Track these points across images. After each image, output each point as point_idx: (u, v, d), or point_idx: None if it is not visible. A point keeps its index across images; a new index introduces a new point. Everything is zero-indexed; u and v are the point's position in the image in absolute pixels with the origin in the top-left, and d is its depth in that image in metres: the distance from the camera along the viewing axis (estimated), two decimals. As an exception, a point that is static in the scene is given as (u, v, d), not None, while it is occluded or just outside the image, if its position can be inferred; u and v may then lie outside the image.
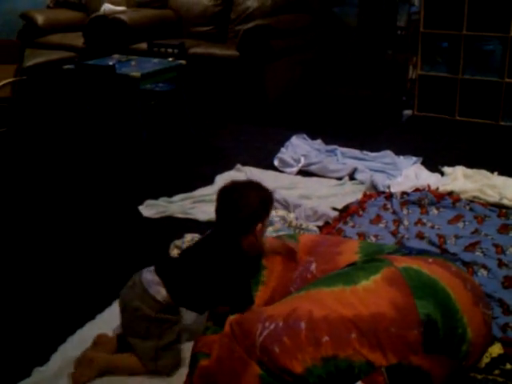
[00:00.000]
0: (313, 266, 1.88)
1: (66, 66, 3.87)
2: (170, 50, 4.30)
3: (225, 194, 1.79)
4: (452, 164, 3.28)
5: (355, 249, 1.93)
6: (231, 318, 1.67)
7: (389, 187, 3.03)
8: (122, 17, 4.90)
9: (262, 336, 1.49)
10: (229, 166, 3.43)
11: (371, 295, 1.49)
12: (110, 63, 3.74)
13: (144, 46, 4.56)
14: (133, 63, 3.89)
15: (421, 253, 1.80)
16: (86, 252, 2.54)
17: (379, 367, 1.41)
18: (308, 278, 1.86)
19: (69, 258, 2.49)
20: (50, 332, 1.97)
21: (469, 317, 1.50)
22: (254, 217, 1.76)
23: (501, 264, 2.22)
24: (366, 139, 3.91)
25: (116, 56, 4.13)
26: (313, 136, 3.89)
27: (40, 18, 5.55)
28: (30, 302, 2.17)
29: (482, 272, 2.19)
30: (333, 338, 1.44)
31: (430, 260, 1.65)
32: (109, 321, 1.99)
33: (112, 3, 5.54)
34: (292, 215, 2.71)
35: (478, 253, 2.31)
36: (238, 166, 3.43)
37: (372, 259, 1.67)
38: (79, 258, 2.49)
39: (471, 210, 2.72)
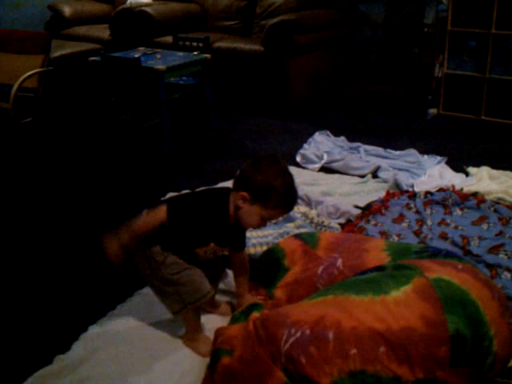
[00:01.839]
0: (339, 262, 1.87)
1: (91, 58, 3.90)
2: (194, 44, 4.31)
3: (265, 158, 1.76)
4: (477, 164, 3.24)
5: (382, 246, 1.92)
6: (255, 315, 1.66)
7: (412, 186, 3.00)
8: (148, 10, 4.92)
9: (288, 344, 1.47)
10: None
11: (401, 308, 1.46)
12: (136, 56, 3.76)
13: (169, 39, 4.57)
14: (158, 56, 3.91)
15: (449, 255, 1.77)
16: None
17: (406, 382, 1.39)
18: (335, 274, 1.84)
19: (89, 249, 2.51)
20: (72, 321, 1.99)
21: (495, 329, 1.47)
22: (250, 182, 1.69)
23: (525, 267, 2.19)
24: (390, 137, 3.88)
25: (141, 49, 4.16)
26: (336, 133, 3.87)
27: (67, 10, 5.61)
28: (53, 292, 2.19)
29: (506, 275, 2.15)
30: (361, 351, 1.41)
31: (460, 266, 1.61)
32: (129, 311, 2.02)
33: (138, -4, 5.57)
34: (314, 212, 2.70)
35: (501, 255, 2.28)
36: (261, 161, 3.42)
37: (402, 266, 1.63)
38: (100, 249, 2.51)
39: (496, 211, 2.68)
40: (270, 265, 2.07)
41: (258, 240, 2.41)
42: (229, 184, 3.10)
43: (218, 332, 1.73)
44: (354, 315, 1.47)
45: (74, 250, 2.50)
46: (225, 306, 2.03)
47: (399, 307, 1.46)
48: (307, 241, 2.05)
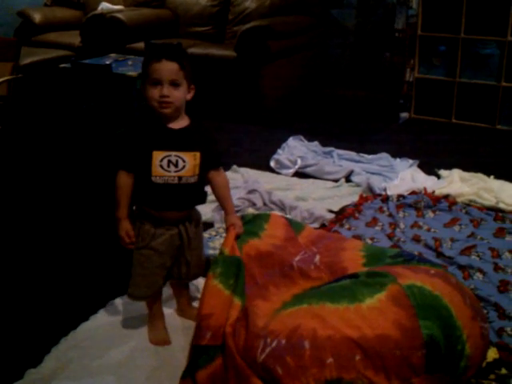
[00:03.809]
0: (317, 258, 1.88)
1: (62, 65, 3.86)
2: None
3: None
4: (448, 167, 3.29)
5: (359, 246, 1.94)
6: (230, 322, 1.63)
7: (385, 190, 3.03)
8: (120, 16, 4.88)
9: (264, 354, 1.46)
10: (225, 167, 3.41)
11: (376, 315, 1.46)
12: (107, 62, 3.73)
13: (141, 45, 4.54)
14: (129, 63, 3.88)
15: (422, 261, 1.78)
16: (83, 251, 2.52)
17: None
18: (311, 269, 1.85)
19: (65, 256, 2.48)
20: (43, 333, 1.95)
21: (468, 332, 1.48)
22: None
23: (497, 268, 2.22)
24: (363, 141, 3.91)
25: (113, 55, 4.12)
26: (310, 137, 3.88)
27: (37, 16, 5.53)
28: (23, 303, 2.15)
29: (478, 276, 2.18)
30: (337, 359, 1.41)
31: (432, 272, 1.63)
32: (102, 322, 1.99)
33: (109, 2, 5.53)
34: (288, 217, 2.70)
35: (473, 256, 2.31)
36: (234, 166, 3.42)
37: (376, 273, 1.64)
38: (74, 256, 2.47)
39: (467, 213, 2.72)
40: (251, 219, 2.01)
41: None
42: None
43: (201, 323, 1.65)
44: (329, 323, 1.47)
45: (43, 261, 2.46)
46: (190, 312, 2.00)
47: (374, 315, 1.47)
48: (292, 225, 2.04)
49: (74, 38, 5.22)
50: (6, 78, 3.84)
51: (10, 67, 3.91)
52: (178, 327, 1.95)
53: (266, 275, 1.82)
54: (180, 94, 1.72)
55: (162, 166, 1.70)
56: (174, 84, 1.70)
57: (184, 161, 1.72)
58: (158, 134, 1.73)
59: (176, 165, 1.71)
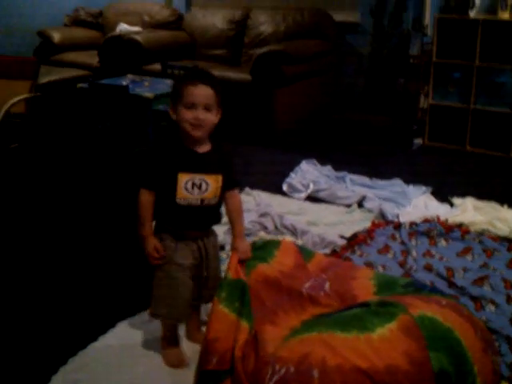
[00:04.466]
0: (327, 285, 1.88)
1: (80, 85, 3.91)
2: (183, 72, 4.34)
3: None
4: (462, 195, 3.27)
5: (370, 275, 1.93)
6: (239, 345, 1.62)
7: (398, 216, 3.01)
8: (137, 37, 4.96)
9: (272, 381, 1.45)
10: (239, 190, 3.42)
11: (386, 346, 1.46)
12: (124, 83, 3.77)
13: (158, 66, 4.60)
14: (146, 84, 3.93)
15: (433, 291, 1.77)
16: (92, 271, 2.53)
17: None
18: (321, 295, 1.84)
19: (74, 277, 2.48)
20: (51, 353, 1.95)
21: (479, 365, 1.47)
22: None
23: (509, 300, 2.19)
24: (376, 167, 3.90)
25: (130, 76, 4.18)
26: (323, 162, 3.89)
27: (56, 36, 5.63)
28: (32, 322, 2.15)
29: (490, 307, 2.16)
30: None
31: (444, 302, 1.62)
32: (111, 343, 1.99)
33: (128, 24, 5.62)
34: (299, 242, 2.70)
35: (486, 287, 2.29)
36: (247, 189, 3.43)
37: (386, 302, 1.63)
38: (84, 277, 2.48)
39: (480, 242, 2.69)
40: (262, 245, 2.02)
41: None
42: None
43: (207, 348, 1.66)
44: (338, 352, 1.46)
45: (54, 279, 2.47)
46: (198, 336, 1.99)
47: (384, 345, 1.46)
48: (302, 252, 2.04)
49: (92, 58, 5.31)
50: (24, 96, 3.90)
51: (28, 86, 3.98)
52: (188, 350, 1.94)
53: (274, 300, 1.82)
54: (212, 118, 1.79)
55: (186, 189, 1.76)
56: (207, 108, 1.76)
57: (207, 183, 1.78)
58: (184, 156, 1.78)
59: (200, 187, 1.77)
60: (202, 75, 1.81)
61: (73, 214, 3.17)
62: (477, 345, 1.51)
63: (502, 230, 2.83)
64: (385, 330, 1.49)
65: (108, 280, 2.46)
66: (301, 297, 1.84)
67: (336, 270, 1.97)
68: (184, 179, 1.75)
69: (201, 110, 1.74)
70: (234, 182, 1.91)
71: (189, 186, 1.75)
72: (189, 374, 1.79)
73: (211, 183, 1.78)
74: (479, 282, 2.32)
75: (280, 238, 2.72)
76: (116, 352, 1.94)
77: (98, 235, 2.91)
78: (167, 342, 1.91)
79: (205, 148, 1.82)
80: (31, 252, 2.73)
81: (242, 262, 1.84)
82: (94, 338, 2.01)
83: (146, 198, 1.78)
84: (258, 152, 4.25)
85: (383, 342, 1.46)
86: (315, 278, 1.91)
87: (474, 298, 2.21)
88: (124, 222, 3.06)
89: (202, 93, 1.74)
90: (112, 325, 2.08)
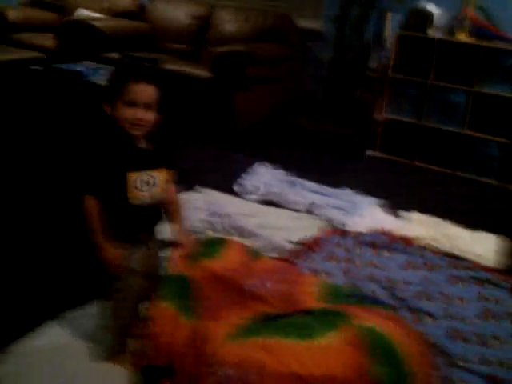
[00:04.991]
0: (268, 284, 1.88)
1: (33, 67, 3.80)
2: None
3: None
4: (408, 208, 3.34)
5: (315, 283, 1.95)
6: (179, 342, 1.61)
7: (344, 225, 3.05)
8: (97, 24, 4.85)
9: (210, 382, 1.45)
10: (188, 187, 3.40)
11: (326, 354, 1.47)
12: (79, 69, 3.68)
13: (117, 55, 4.51)
14: (102, 72, 3.85)
15: (375, 302, 1.81)
16: (37, 259, 2.46)
17: None
18: (262, 293, 1.84)
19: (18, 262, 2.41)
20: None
21: (417, 375, 1.50)
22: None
23: (447, 314, 2.26)
24: (328, 175, 3.94)
25: (86, 63, 4.08)
26: (276, 165, 3.90)
27: (11, 14, 5.46)
28: None
29: (428, 320, 2.21)
30: None
31: (384, 314, 1.65)
32: (48, 338, 1.94)
33: (88, 9, 5.50)
34: (247, 244, 2.69)
35: (425, 300, 2.35)
36: (197, 186, 3.40)
37: (330, 311, 1.65)
38: (26, 263, 2.41)
39: (422, 256, 2.76)
40: (208, 242, 2.01)
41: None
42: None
43: (149, 343, 1.64)
44: (278, 358, 1.47)
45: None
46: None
47: (324, 352, 1.48)
48: (249, 252, 2.04)
49: (48, 40, 5.15)
50: (-27, 73, 3.75)
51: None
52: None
53: (217, 296, 1.81)
54: (152, 117, 1.73)
55: (136, 187, 1.69)
56: (148, 107, 1.70)
57: (154, 178, 1.72)
58: (128, 153, 1.70)
59: (148, 183, 1.71)
60: (147, 73, 1.74)
61: (13, 204, 3.07)
62: (415, 355, 1.55)
63: (444, 245, 2.91)
64: (326, 339, 1.51)
65: (41, 276, 2.39)
66: (243, 293, 1.84)
67: (281, 273, 1.98)
68: (133, 177, 1.68)
69: (141, 108, 1.68)
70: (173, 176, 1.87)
71: (138, 183, 1.69)
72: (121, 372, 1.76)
73: (157, 177, 1.74)
74: (419, 295, 2.38)
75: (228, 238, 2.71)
76: (52, 348, 1.88)
77: (42, 224, 2.83)
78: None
79: (144, 144, 1.76)
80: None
81: (185, 257, 1.82)
82: (39, 324, 1.97)
83: (93, 205, 1.68)
84: (214, 151, 4.23)
85: (324, 350, 1.48)
86: (259, 276, 1.92)
87: (412, 311, 2.26)
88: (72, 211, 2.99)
89: (144, 90, 1.68)
90: (51, 317, 2.02)
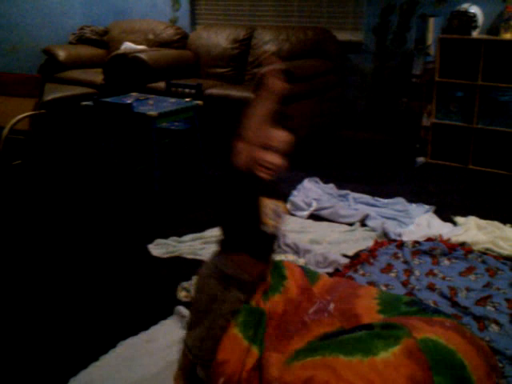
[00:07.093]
0: (331, 306, 1.87)
1: (84, 103, 3.94)
2: (187, 90, 4.37)
3: None
4: (465, 214, 3.26)
5: (373, 295, 1.92)
6: (247, 369, 1.62)
7: (400, 235, 3.00)
8: (142, 56, 5.00)
9: None
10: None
11: (390, 370, 1.44)
12: (128, 101, 3.79)
13: (162, 85, 4.63)
14: (150, 102, 3.95)
15: (437, 312, 1.76)
16: (93, 290, 2.53)
17: None
18: (325, 317, 1.83)
19: (75, 297, 2.48)
20: (53, 373, 1.95)
21: None
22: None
23: (513, 320, 2.18)
24: (379, 185, 3.91)
25: (134, 94, 4.20)
26: (325, 180, 3.89)
27: (61, 54, 5.69)
28: (33, 342, 2.15)
29: (494, 327, 2.14)
30: None
31: (447, 324, 1.60)
32: (113, 363, 1.98)
33: (133, 42, 5.68)
34: (302, 260, 2.69)
35: (489, 307, 2.28)
36: (250, 207, 3.42)
37: (390, 325, 1.62)
38: (85, 296, 2.48)
39: (483, 262, 2.69)
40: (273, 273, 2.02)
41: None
42: (217, 231, 3.11)
43: (218, 369, 1.65)
44: (342, 377, 1.44)
45: (54, 299, 2.47)
46: None
47: (387, 369, 1.44)
48: (308, 275, 2.03)
49: (96, 76, 5.35)
50: (28, 113, 3.92)
51: (33, 103, 4.00)
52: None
53: (280, 329, 1.81)
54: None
55: (268, 214, 1.70)
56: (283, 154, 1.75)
57: (278, 208, 1.75)
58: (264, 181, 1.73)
59: (274, 212, 1.73)
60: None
61: (75, 232, 3.17)
62: (481, 367, 1.50)
63: (505, 249, 2.82)
64: (389, 354, 1.48)
65: (109, 300, 2.45)
66: (306, 323, 1.83)
67: (340, 290, 1.96)
68: (266, 204, 1.70)
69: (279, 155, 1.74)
70: None
71: (269, 211, 1.71)
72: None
73: (280, 207, 1.76)
74: (482, 301, 2.31)
75: (282, 256, 2.72)
76: (117, 372, 1.93)
77: (100, 254, 2.91)
78: None
79: None
80: (33, 270, 2.73)
81: (262, 291, 1.84)
82: (96, 359, 2.00)
83: None
84: (261, 170, 4.26)
85: (387, 366, 1.45)
86: (320, 301, 1.91)
87: (476, 318, 2.20)
88: (126, 240, 3.06)
89: (286, 139, 1.75)
90: (113, 345, 2.07)
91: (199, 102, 3.99)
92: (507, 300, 2.32)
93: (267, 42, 5.11)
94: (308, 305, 1.89)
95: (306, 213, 3.38)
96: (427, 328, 1.56)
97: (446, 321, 1.64)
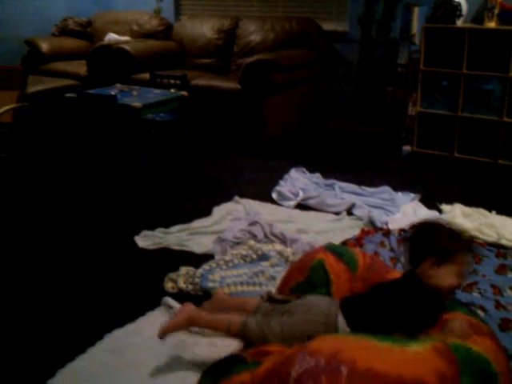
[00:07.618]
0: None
1: (68, 94, 3.90)
2: (172, 81, 4.34)
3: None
4: (450, 201, 3.28)
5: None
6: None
7: (387, 223, 3.02)
8: (126, 47, 4.96)
9: (302, 369, 1.44)
10: (227, 198, 3.43)
11: (419, 360, 1.44)
12: (112, 93, 3.76)
13: (147, 76, 4.59)
14: (135, 93, 3.91)
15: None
16: (80, 282, 2.51)
17: None
18: None
19: (61, 288, 2.46)
20: (39, 365, 1.93)
21: None
22: (426, 249, 1.75)
23: (498, 306, 2.20)
24: (365, 174, 3.92)
25: (118, 85, 4.16)
26: (312, 170, 3.90)
27: (44, 46, 5.63)
28: (19, 336, 2.13)
29: (479, 313, 2.16)
30: None
31: (485, 330, 1.66)
32: (100, 355, 1.97)
33: (116, 33, 5.62)
34: (289, 250, 2.69)
35: (475, 293, 2.30)
36: (236, 197, 3.42)
37: None
38: (72, 288, 2.46)
39: (469, 249, 2.70)
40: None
41: (232, 279, 2.39)
42: (204, 222, 3.11)
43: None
44: (370, 357, 1.44)
45: (40, 291, 2.45)
46: None
47: (417, 360, 1.44)
48: (349, 263, 2.07)
49: (80, 67, 5.30)
50: (11, 106, 3.88)
51: (16, 95, 3.96)
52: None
53: None
54: None
55: None
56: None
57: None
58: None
59: None
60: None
61: (61, 225, 3.15)
62: (505, 367, 1.53)
63: (491, 236, 2.84)
64: (420, 348, 1.48)
65: (95, 292, 2.44)
66: None
67: (376, 267, 2.07)
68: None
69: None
70: None
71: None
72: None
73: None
74: (468, 288, 2.33)
75: (270, 246, 2.72)
76: (104, 364, 1.92)
77: (86, 246, 2.89)
78: None
79: None
80: (18, 263, 2.71)
81: None
82: (82, 350, 1.99)
83: None
84: (247, 160, 4.26)
85: (417, 358, 1.44)
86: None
87: (463, 305, 2.21)
88: (112, 232, 3.05)
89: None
90: (100, 337, 2.06)
91: (184, 93, 3.97)
92: (493, 286, 2.34)
93: (252, 33, 5.09)
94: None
95: (292, 202, 3.38)
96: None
97: (483, 326, 1.70)
